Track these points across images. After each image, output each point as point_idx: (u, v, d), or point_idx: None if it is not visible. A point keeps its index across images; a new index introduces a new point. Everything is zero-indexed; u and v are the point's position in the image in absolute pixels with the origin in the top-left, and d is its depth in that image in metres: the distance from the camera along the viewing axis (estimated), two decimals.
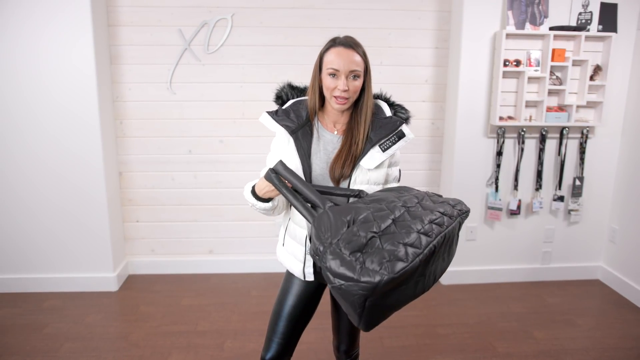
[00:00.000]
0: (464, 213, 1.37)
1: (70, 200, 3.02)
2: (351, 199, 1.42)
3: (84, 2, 2.76)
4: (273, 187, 1.39)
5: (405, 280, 1.14)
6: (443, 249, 1.27)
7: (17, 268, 3.09)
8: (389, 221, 1.20)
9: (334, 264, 1.10)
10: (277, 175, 1.36)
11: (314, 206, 1.32)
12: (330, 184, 1.48)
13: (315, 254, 1.17)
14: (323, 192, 1.40)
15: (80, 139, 2.94)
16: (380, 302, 1.13)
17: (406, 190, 1.41)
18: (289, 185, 1.36)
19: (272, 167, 1.38)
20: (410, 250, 1.13)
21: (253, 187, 1.47)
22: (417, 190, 1.44)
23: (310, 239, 1.26)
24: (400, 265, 1.09)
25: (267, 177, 1.37)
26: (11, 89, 2.85)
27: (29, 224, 3.04)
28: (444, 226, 1.25)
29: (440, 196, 1.44)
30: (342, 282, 1.09)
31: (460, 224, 1.35)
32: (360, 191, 1.39)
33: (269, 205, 1.47)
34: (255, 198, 1.47)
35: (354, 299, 1.09)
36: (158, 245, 3.39)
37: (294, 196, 1.33)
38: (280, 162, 1.37)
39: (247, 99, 3.20)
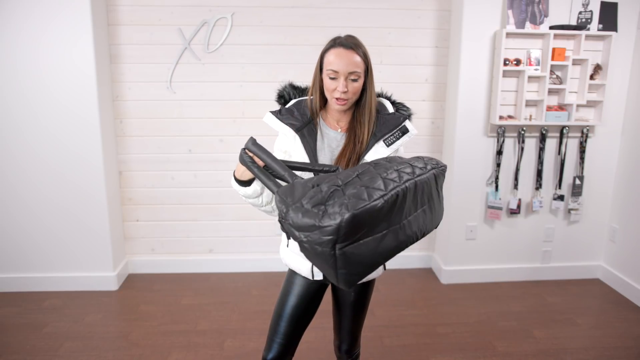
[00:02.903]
0: (439, 168, 1.33)
1: (70, 199, 3.02)
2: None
3: (84, 1, 2.76)
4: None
5: (372, 223, 1.09)
6: (420, 199, 1.23)
7: (17, 267, 3.10)
8: (354, 175, 1.17)
9: (295, 217, 1.07)
10: (249, 154, 1.31)
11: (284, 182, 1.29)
12: None
13: (280, 217, 1.14)
14: (299, 168, 1.36)
15: (80, 138, 2.94)
16: (353, 251, 1.08)
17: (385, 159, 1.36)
18: (261, 164, 1.31)
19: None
20: (373, 191, 1.09)
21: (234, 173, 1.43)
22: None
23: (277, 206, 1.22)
24: (360, 204, 1.04)
25: (240, 156, 1.33)
26: (12, 89, 2.84)
27: (29, 223, 3.04)
28: (413, 175, 1.20)
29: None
30: (306, 233, 1.06)
31: (437, 177, 1.31)
32: (338, 167, 1.35)
33: (250, 190, 1.43)
34: (239, 183, 1.43)
35: (322, 251, 1.05)
36: (158, 244, 3.39)
37: (260, 171, 1.28)
38: (251, 138, 1.32)
39: (247, 98, 3.20)
